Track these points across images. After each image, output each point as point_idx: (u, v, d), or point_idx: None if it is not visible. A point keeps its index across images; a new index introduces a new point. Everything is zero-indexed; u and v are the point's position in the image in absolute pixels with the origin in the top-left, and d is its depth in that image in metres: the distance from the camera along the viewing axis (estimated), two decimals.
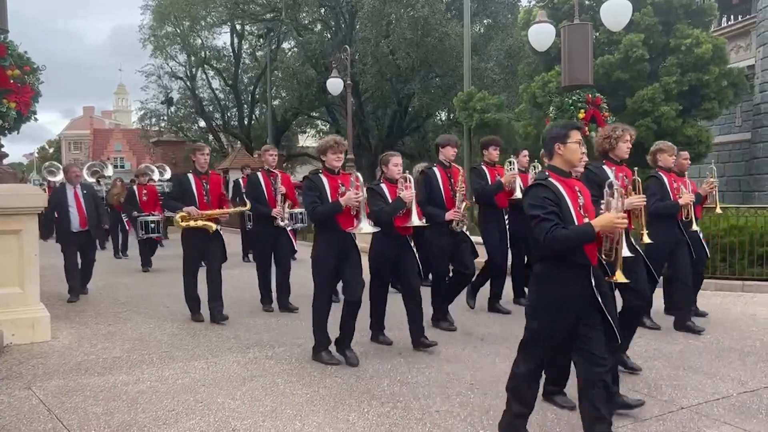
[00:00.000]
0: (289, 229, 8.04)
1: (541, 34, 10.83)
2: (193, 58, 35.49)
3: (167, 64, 36.04)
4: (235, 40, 35.04)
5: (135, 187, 13.28)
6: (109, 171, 19.68)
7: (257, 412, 4.39)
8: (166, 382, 5.09)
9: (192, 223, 7.08)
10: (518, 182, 7.27)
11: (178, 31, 34.12)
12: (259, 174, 7.99)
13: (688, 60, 13.63)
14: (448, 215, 6.48)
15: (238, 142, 36.51)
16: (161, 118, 37.49)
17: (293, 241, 8.30)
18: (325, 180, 5.49)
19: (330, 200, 5.39)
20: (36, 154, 71.24)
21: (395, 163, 5.99)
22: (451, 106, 23.20)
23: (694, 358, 5.53)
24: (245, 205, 8.46)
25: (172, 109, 36.42)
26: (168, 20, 33.42)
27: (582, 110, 10.26)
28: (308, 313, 7.51)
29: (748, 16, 18.68)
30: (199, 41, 34.97)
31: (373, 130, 30.77)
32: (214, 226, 7.21)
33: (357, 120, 26.89)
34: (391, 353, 5.80)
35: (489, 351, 5.85)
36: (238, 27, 34.27)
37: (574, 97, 10.36)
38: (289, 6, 28.16)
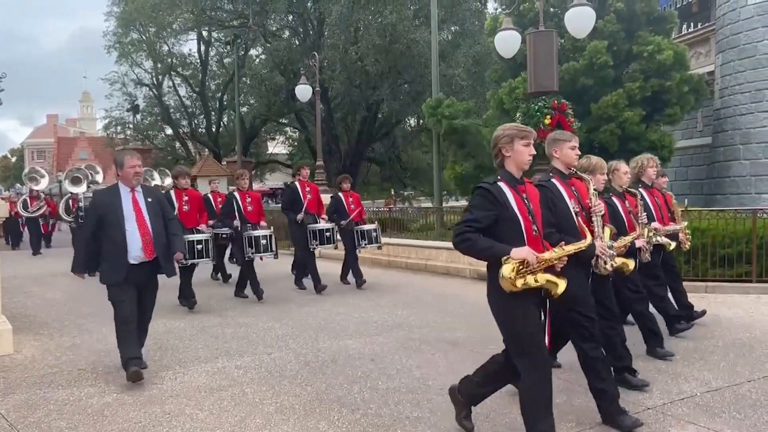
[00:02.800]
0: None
1: (508, 41, 10.95)
2: (159, 65, 35.14)
3: (133, 71, 35.64)
4: (202, 47, 34.80)
5: (210, 195, 11.09)
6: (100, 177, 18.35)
7: (226, 422, 4.34)
8: (132, 393, 5.00)
9: None
10: None
11: (144, 37, 33.76)
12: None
13: (650, 66, 13.91)
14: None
15: (206, 149, 36.20)
16: (127, 125, 37.00)
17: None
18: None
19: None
20: None
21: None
22: (420, 112, 23.31)
23: (659, 360, 5.61)
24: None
25: (138, 116, 35.98)
26: (133, 27, 33.03)
27: (548, 116, 10.39)
28: (274, 320, 7.45)
29: (707, 24, 19.16)
30: (166, 48, 34.65)
31: (342, 136, 30.77)
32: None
33: (326, 126, 26.86)
34: (362, 360, 5.78)
35: (459, 356, 5.87)
36: (204, 34, 34.02)
37: (540, 103, 10.49)
38: (257, 13, 28.04)
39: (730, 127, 15.93)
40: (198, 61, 35.29)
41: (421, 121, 27.19)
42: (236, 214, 9.18)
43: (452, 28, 27.69)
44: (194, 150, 39.18)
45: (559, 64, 11.61)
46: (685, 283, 9.02)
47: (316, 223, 10.16)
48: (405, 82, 27.11)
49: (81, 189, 15.98)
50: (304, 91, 18.71)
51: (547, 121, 10.38)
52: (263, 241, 9.10)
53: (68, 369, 5.76)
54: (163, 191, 11.64)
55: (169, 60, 34.72)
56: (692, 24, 20.26)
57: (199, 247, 8.64)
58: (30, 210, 18.82)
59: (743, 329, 6.74)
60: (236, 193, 9.39)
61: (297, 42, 29.23)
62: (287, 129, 37.68)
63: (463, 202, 23.78)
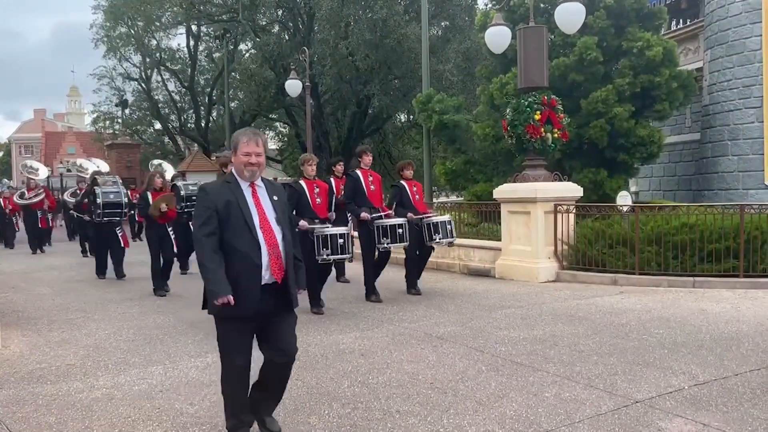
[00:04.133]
0: None
1: (498, 37, 10.97)
2: (147, 60, 34.89)
3: (121, 66, 35.38)
4: (191, 42, 34.58)
5: None
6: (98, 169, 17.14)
7: (216, 417, 4.33)
8: (121, 388, 4.99)
9: None
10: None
11: (132, 31, 33.50)
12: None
13: (639, 62, 13.95)
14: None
15: (196, 144, 36.03)
16: (115, 120, 36.76)
17: None
18: None
19: None
20: None
21: None
22: (410, 108, 23.30)
23: (647, 353, 5.66)
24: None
25: (127, 111, 35.78)
26: (121, 20, 32.78)
27: (538, 112, 10.42)
28: None
29: (696, 20, 19.24)
30: (154, 42, 34.40)
31: (333, 131, 30.69)
32: None
33: (316, 122, 26.78)
34: (353, 355, 5.79)
35: (448, 351, 5.89)
36: (194, 28, 33.81)
37: (530, 99, 10.52)
38: (246, 7, 27.88)
39: (718, 123, 16.02)
40: (187, 55, 35.07)
41: (412, 116, 27.18)
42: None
43: (442, 23, 27.67)
44: (183, 145, 38.98)
45: (549, 60, 11.63)
46: (673, 278, 9.18)
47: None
48: (395, 78, 27.07)
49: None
50: (294, 86, 18.66)
51: (537, 117, 10.41)
52: (340, 241, 7.62)
53: (57, 364, 5.73)
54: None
55: (158, 54, 34.48)
56: (681, 20, 20.35)
57: (341, 241, 7.61)
58: (27, 197, 17.13)
59: (731, 323, 6.79)
60: (303, 182, 7.98)
61: (287, 37, 29.10)
62: (277, 124, 37.55)
63: (454, 198, 23.83)
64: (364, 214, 8.24)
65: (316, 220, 7.77)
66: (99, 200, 10.81)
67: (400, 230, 8.25)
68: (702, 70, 17.16)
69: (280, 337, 3.77)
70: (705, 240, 9.24)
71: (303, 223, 7.55)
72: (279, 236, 3.71)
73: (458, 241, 10.92)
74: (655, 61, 13.82)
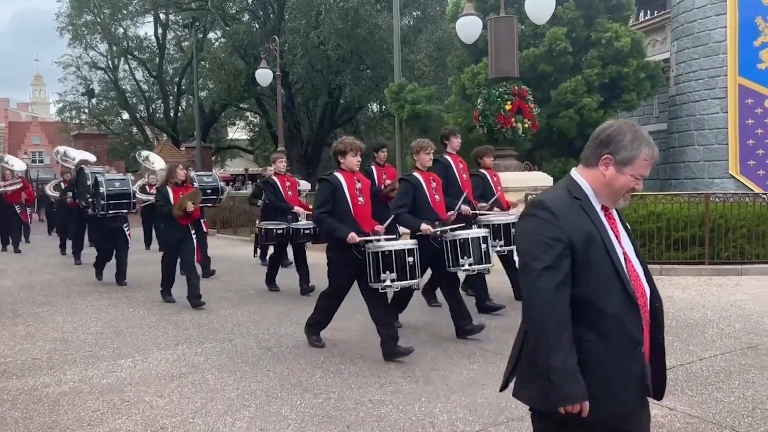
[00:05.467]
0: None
1: (469, 27, 11.00)
2: (114, 48, 34.27)
3: (87, 54, 34.71)
4: (159, 30, 34.03)
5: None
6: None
7: (187, 409, 4.29)
8: (89, 382, 4.91)
9: None
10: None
11: (99, 19, 32.84)
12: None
13: (608, 53, 14.12)
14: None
15: (164, 134, 35.55)
16: (82, 110, 36.08)
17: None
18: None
19: None
20: None
21: None
22: (382, 98, 23.26)
23: None
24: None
25: (94, 101, 35.13)
26: (87, 8, 32.10)
27: (509, 102, 10.49)
28: (236, 308, 7.41)
29: (663, 12, 19.52)
30: (121, 30, 33.78)
31: (304, 121, 30.52)
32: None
33: (288, 112, 26.60)
34: (326, 345, 5.77)
35: (421, 340, 5.91)
36: (162, 16, 33.26)
37: (501, 89, 10.58)
38: None
39: (684, 114, 16.30)
40: (155, 44, 34.53)
41: (384, 106, 27.15)
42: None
43: (414, 13, 27.64)
44: (152, 135, 38.43)
45: (519, 51, 11.71)
46: None
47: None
48: (367, 67, 26.98)
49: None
50: (264, 76, 18.49)
51: (507, 107, 10.49)
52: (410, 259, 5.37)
53: (22, 358, 5.62)
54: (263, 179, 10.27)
55: (125, 43, 33.88)
56: (649, 12, 20.61)
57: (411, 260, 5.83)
58: (2, 185, 15.13)
59: (696, 310, 6.94)
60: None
61: (257, 26, 28.80)
62: (248, 114, 37.21)
63: None
64: (425, 226, 5.82)
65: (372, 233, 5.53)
66: (103, 190, 9.05)
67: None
68: (669, 61, 17.43)
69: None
70: (672, 228, 9.41)
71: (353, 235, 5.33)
72: (648, 291, 2.40)
73: None
74: (623, 51, 14.01)
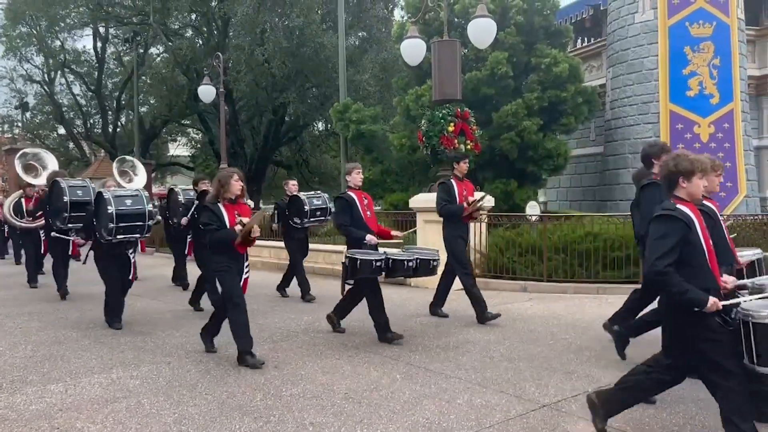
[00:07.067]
0: None
1: (413, 49, 11.13)
2: (51, 61, 33.25)
3: (21, 67, 33.57)
4: (98, 44, 33.23)
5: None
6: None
7: None
8: (17, 408, 4.69)
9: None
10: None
11: (35, 31, 31.83)
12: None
13: (547, 78, 14.54)
14: None
15: (102, 150, 34.61)
16: (15, 124, 34.82)
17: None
18: None
19: None
20: None
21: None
22: (328, 117, 23.29)
23: (554, 358, 5.86)
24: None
25: (28, 115, 33.97)
26: (22, 20, 31.07)
27: (452, 123, 10.66)
28: (175, 329, 7.23)
29: (599, 39, 20.30)
30: (58, 43, 32.80)
31: (248, 139, 30.22)
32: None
33: (232, 128, 26.30)
34: (266, 367, 5.68)
35: (363, 360, 5.89)
36: (102, 30, 32.50)
37: (444, 111, 10.74)
38: (158, 10, 27.07)
39: (619, 137, 16.90)
40: (94, 58, 33.68)
41: (330, 125, 27.16)
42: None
43: (360, 33, 27.85)
44: (89, 151, 37.36)
45: (462, 74, 11.92)
46: (579, 285, 9.56)
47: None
48: (313, 86, 26.98)
49: (39, 181, 11.53)
50: (207, 92, 18.25)
51: (450, 129, 10.65)
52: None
53: None
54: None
55: (62, 56, 32.91)
56: (586, 39, 21.40)
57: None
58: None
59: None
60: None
61: (201, 42, 28.47)
62: (190, 130, 36.60)
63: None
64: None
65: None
66: (111, 209, 7.17)
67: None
68: (605, 86, 18.08)
69: None
70: (608, 248, 9.70)
71: (371, 238, 6.77)
72: None
73: None
74: (561, 77, 14.44)
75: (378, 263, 6.41)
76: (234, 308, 5.78)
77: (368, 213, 6.93)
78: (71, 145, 36.68)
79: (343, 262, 6.48)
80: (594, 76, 19.72)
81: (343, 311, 7.14)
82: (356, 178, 6.97)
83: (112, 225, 7.19)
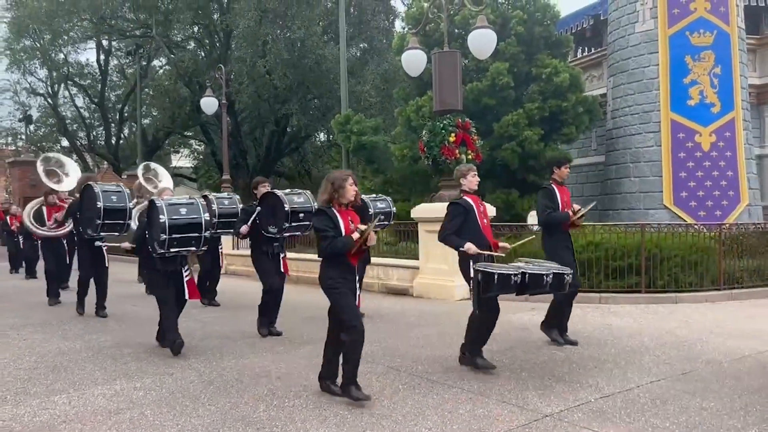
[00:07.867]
0: None
1: (414, 60, 11.20)
2: (54, 74, 33.49)
3: (25, 80, 33.81)
4: (102, 57, 33.46)
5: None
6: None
7: None
8: (21, 420, 4.70)
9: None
10: None
11: (38, 45, 32.09)
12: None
13: (548, 88, 14.60)
14: None
15: (105, 162, 34.76)
16: (19, 136, 35.01)
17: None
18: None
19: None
20: None
21: None
22: (329, 127, 23.40)
23: (557, 368, 5.86)
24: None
25: (32, 127, 34.18)
26: (26, 33, 31.33)
27: (453, 134, 10.70)
28: (183, 335, 7.21)
29: (600, 49, 20.38)
30: (62, 56, 33.04)
31: (251, 150, 30.34)
32: None
33: (234, 140, 26.42)
34: (269, 378, 5.69)
35: (366, 370, 5.89)
36: (105, 43, 32.74)
37: (445, 121, 10.78)
38: (160, 23, 27.30)
39: (620, 147, 16.93)
40: (97, 70, 33.91)
41: (331, 136, 27.27)
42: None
43: (361, 45, 28.04)
44: (92, 163, 37.52)
45: (463, 84, 11.98)
46: (581, 294, 9.53)
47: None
48: (314, 97, 27.12)
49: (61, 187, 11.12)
50: (209, 104, 18.35)
51: (451, 139, 10.69)
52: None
53: None
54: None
55: (66, 69, 33.14)
56: (586, 48, 21.48)
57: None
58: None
59: (633, 337, 7.15)
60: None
61: (203, 54, 28.67)
62: (192, 142, 36.78)
63: None
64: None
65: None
66: (163, 219, 6.35)
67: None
68: (606, 95, 18.13)
69: None
70: (610, 257, 9.70)
71: (469, 245, 5.74)
72: None
73: (377, 260, 11.02)
74: (562, 86, 14.50)
75: (516, 278, 5.44)
76: (355, 341, 5.01)
77: (485, 221, 6.09)
78: (74, 157, 36.79)
79: (473, 277, 5.59)
80: (595, 86, 19.78)
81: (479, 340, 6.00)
82: (472, 181, 6.07)
83: (164, 236, 6.33)
